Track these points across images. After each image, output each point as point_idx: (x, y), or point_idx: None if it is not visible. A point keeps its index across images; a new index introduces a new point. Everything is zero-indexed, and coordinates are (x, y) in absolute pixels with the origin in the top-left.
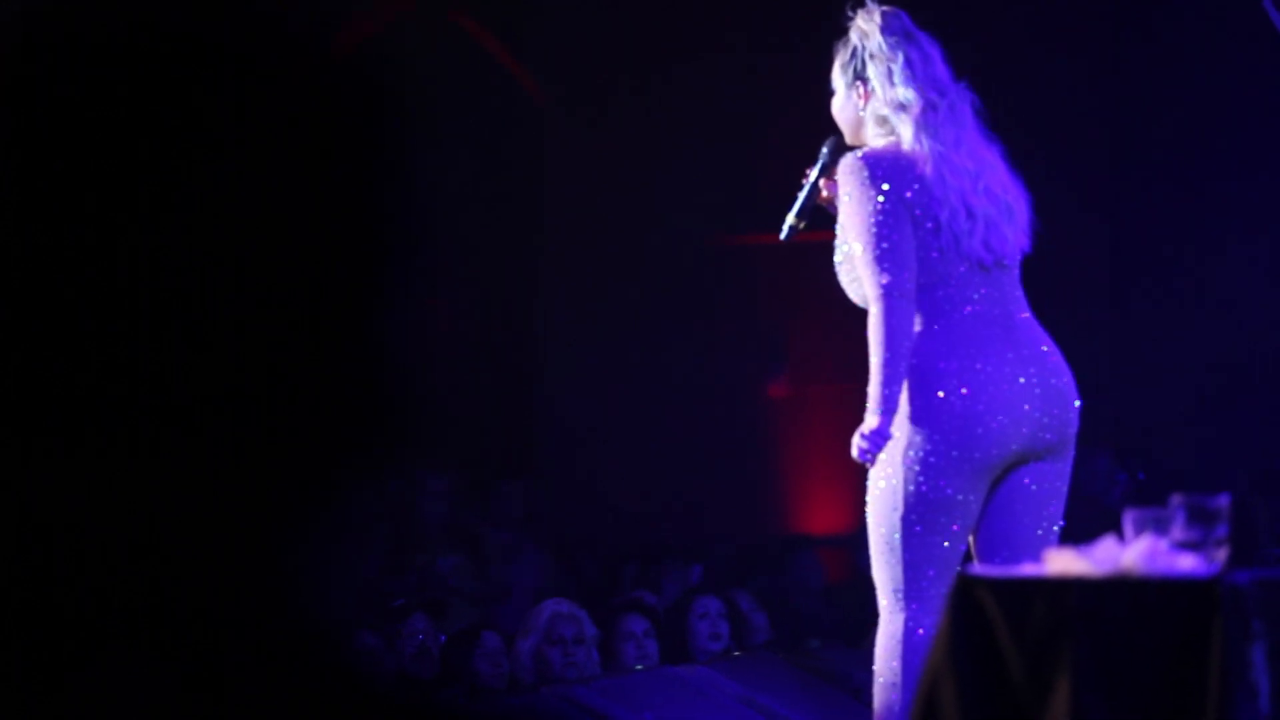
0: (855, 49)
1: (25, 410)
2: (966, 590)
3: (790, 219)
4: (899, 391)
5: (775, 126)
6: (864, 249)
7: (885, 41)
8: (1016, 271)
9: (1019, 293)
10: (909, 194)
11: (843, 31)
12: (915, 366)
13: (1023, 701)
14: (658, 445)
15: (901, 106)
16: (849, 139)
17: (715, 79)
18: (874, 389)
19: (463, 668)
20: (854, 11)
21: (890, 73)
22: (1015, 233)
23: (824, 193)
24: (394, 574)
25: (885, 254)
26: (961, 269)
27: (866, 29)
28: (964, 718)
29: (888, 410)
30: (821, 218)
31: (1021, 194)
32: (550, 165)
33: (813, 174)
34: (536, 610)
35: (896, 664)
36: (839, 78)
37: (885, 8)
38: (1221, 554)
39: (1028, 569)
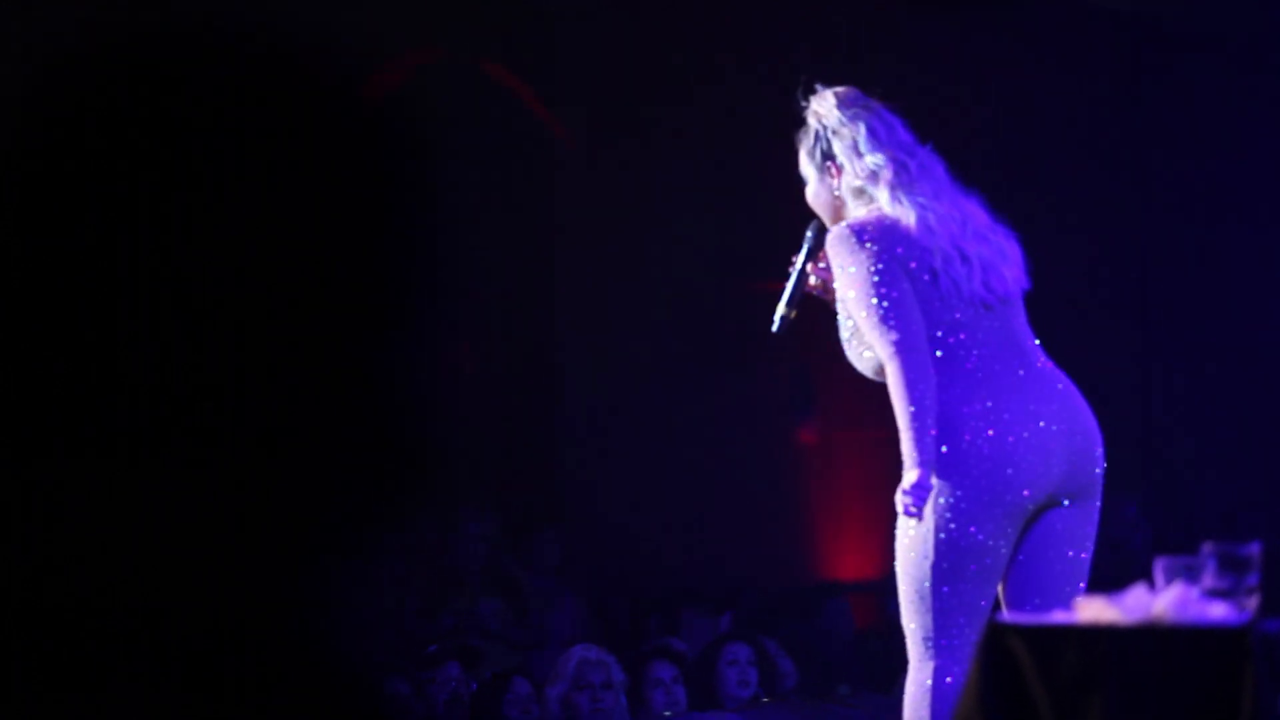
0: (817, 132)
1: (60, 471)
2: (997, 637)
3: (781, 309)
4: (931, 441)
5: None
6: (867, 313)
7: (844, 115)
8: (1022, 310)
9: (1030, 334)
10: (900, 250)
11: (801, 121)
12: (941, 415)
13: None
14: (686, 491)
15: (874, 173)
16: (829, 222)
17: (745, 123)
18: (907, 444)
19: (493, 715)
20: (806, 100)
21: (855, 144)
22: (1012, 271)
23: (812, 279)
24: (430, 618)
25: (889, 311)
26: (967, 313)
27: (822, 110)
28: None
29: (924, 462)
30: (825, 313)
31: (1009, 236)
32: (566, 207)
33: (799, 261)
34: (565, 656)
35: (925, 713)
36: (807, 165)
37: (837, 88)
38: (1253, 602)
39: (1058, 616)
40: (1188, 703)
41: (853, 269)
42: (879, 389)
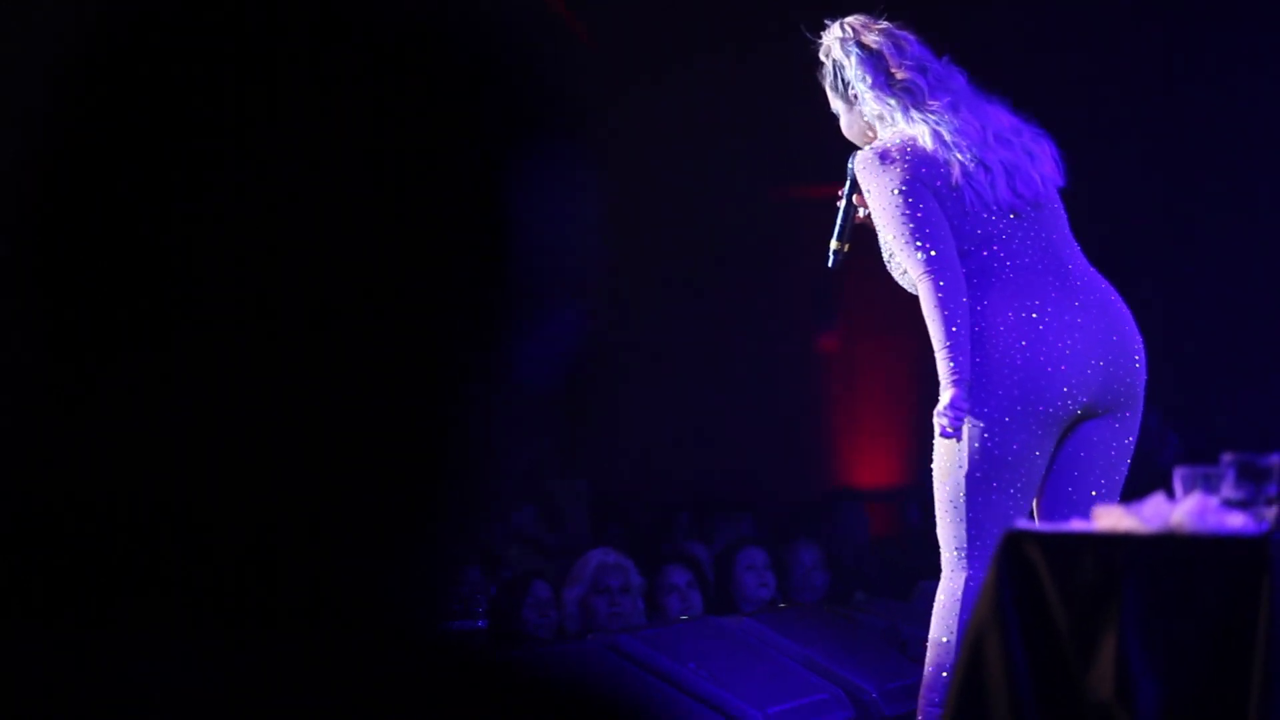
0: (831, 67)
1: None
2: (1014, 545)
3: (833, 244)
4: (968, 360)
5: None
6: (896, 234)
7: (846, 48)
8: (1059, 212)
9: (1068, 236)
10: (923, 170)
11: (817, 59)
12: (974, 327)
13: (1069, 656)
14: (707, 399)
15: (886, 97)
16: (865, 144)
17: (764, 31)
18: (942, 364)
19: (512, 617)
20: (818, 36)
21: (865, 72)
22: (1042, 170)
23: (860, 211)
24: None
25: (917, 230)
26: (997, 224)
27: (829, 43)
28: (1009, 672)
29: (960, 381)
30: (865, 235)
31: (1038, 135)
32: (598, 119)
33: (844, 193)
34: (583, 560)
35: (954, 621)
36: (834, 99)
37: (845, 18)
38: (1271, 512)
39: (1076, 525)
40: (1205, 612)
41: (878, 191)
42: (901, 297)
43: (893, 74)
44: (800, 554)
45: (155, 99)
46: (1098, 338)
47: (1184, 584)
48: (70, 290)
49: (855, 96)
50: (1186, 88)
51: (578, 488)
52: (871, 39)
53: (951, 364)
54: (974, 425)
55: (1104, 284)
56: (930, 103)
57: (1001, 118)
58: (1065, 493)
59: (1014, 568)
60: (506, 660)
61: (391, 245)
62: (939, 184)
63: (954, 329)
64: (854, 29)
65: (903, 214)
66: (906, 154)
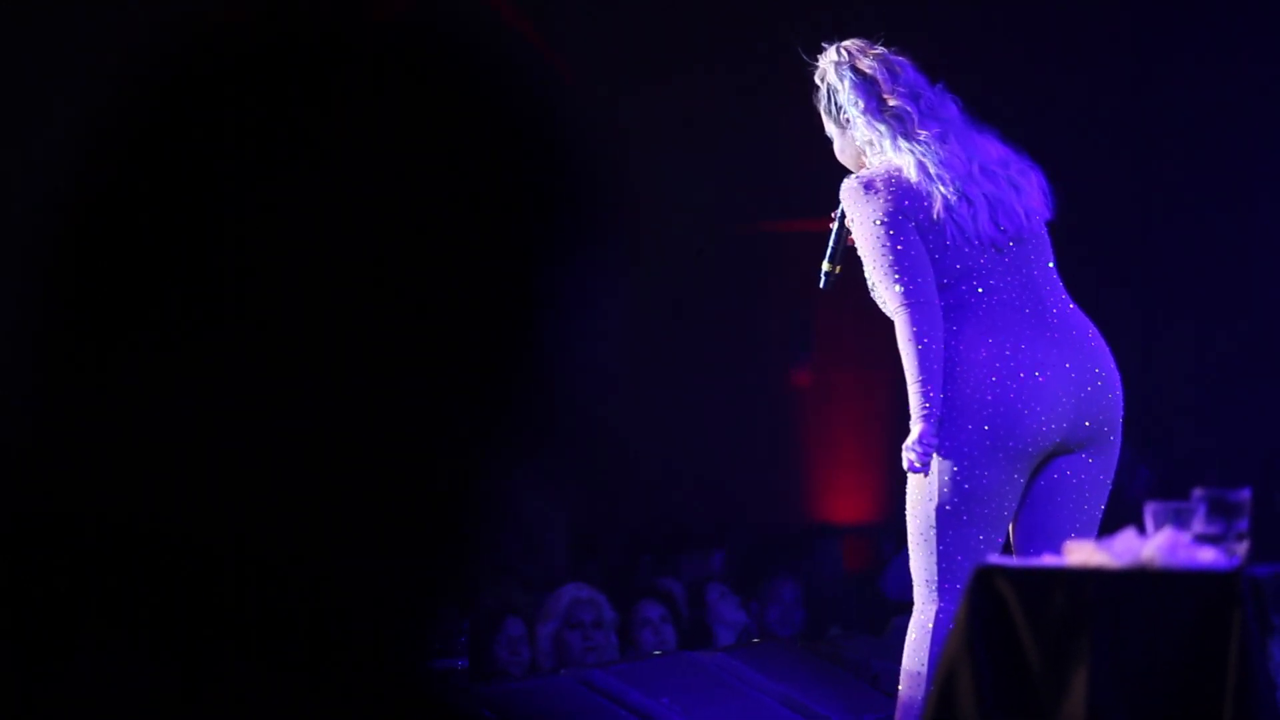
0: (825, 91)
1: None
2: (986, 580)
3: (825, 266)
4: (939, 396)
5: (800, 113)
6: (875, 264)
7: (840, 72)
8: (1042, 247)
9: (1050, 273)
10: (906, 202)
11: (811, 82)
12: (948, 361)
13: (1040, 691)
14: (680, 431)
15: (876, 123)
16: (858, 169)
17: (741, 66)
18: (914, 397)
19: (484, 653)
20: (814, 60)
21: (857, 96)
22: (1027, 204)
23: (851, 234)
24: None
25: (896, 262)
26: (980, 259)
27: (824, 66)
28: (980, 707)
29: (929, 416)
30: (849, 263)
31: (1026, 167)
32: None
33: (836, 216)
34: (556, 595)
35: (925, 654)
36: (828, 122)
37: (842, 42)
38: (1242, 548)
39: (1047, 560)
40: (1176, 647)
41: (861, 221)
42: (876, 331)
43: (885, 100)
44: (780, 590)
45: (173, 118)
46: (1072, 374)
47: (1155, 619)
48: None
49: (848, 121)
50: (1156, 123)
51: (556, 519)
52: (866, 64)
53: (923, 399)
54: (944, 459)
55: (1083, 319)
56: (919, 131)
57: (990, 149)
58: (1039, 527)
59: (985, 602)
60: (479, 697)
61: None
62: (921, 217)
63: (927, 364)
64: (849, 53)
65: (883, 245)
66: (891, 185)
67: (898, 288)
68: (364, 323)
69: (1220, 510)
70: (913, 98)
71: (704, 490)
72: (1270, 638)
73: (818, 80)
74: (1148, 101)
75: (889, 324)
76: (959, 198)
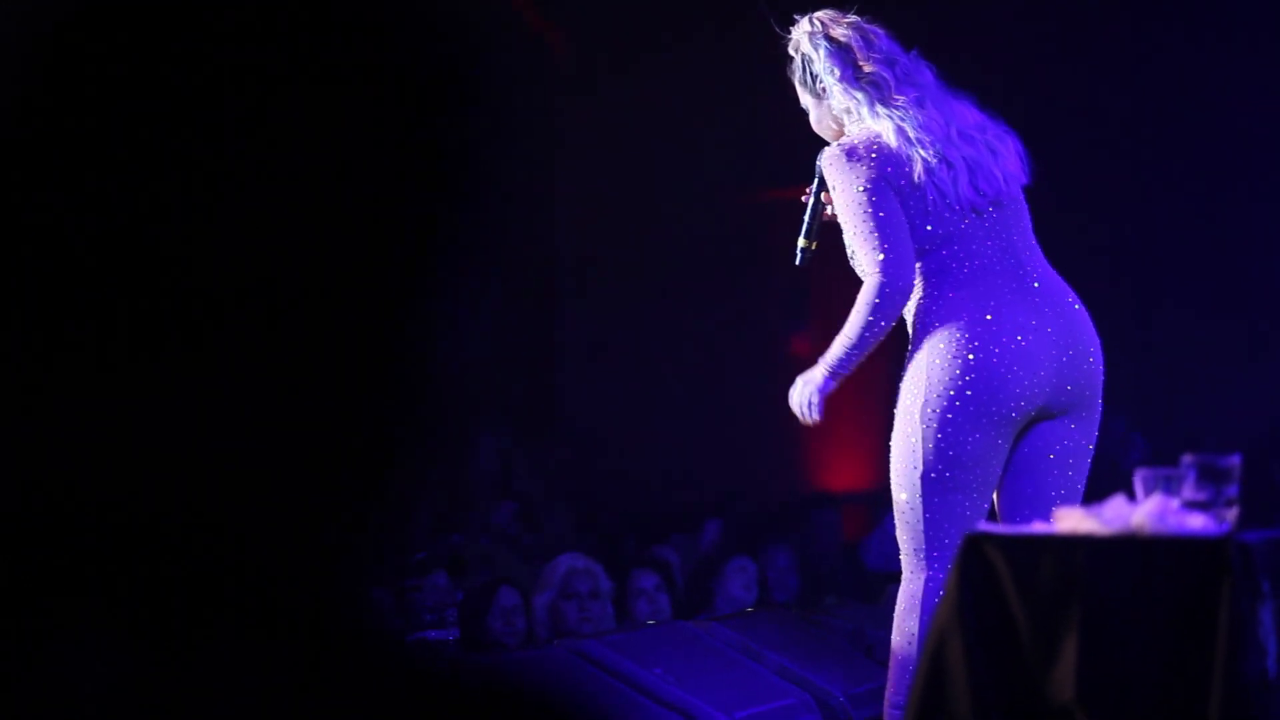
0: (800, 61)
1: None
2: (975, 548)
3: (801, 241)
4: (858, 361)
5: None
6: (857, 230)
7: (814, 41)
8: (1021, 211)
9: (1029, 238)
10: (889, 169)
11: (786, 54)
12: (929, 326)
13: (1030, 659)
14: (678, 402)
15: (853, 90)
16: (834, 139)
17: (737, 35)
18: (837, 347)
19: (478, 624)
20: (786, 31)
21: (833, 65)
22: (1005, 168)
23: (827, 209)
24: (442, 529)
25: (877, 228)
26: (961, 223)
27: (798, 37)
28: (971, 675)
29: (836, 374)
30: (833, 234)
31: (1003, 132)
32: (568, 120)
33: (812, 191)
34: (552, 565)
35: (914, 623)
36: (803, 94)
37: (815, 13)
38: (1232, 514)
39: (1037, 527)
40: (1165, 613)
41: (843, 188)
42: None
43: (860, 67)
44: (775, 557)
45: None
46: (1053, 339)
47: (1144, 586)
48: None
49: (824, 90)
50: (1156, 97)
51: (556, 489)
52: (840, 32)
53: (841, 360)
54: (929, 425)
55: (1062, 285)
56: (896, 97)
57: (967, 114)
58: (1024, 493)
59: (974, 570)
60: (469, 667)
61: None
62: (902, 182)
63: (867, 339)
64: (823, 23)
65: (865, 212)
66: (872, 152)
67: (877, 254)
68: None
69: (1210, 476)
70: (888, 64)
71: (701, 461)
72: (1260, 604)
73: (791, 51)
74: (1149, 81)
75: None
76: (939, 161)
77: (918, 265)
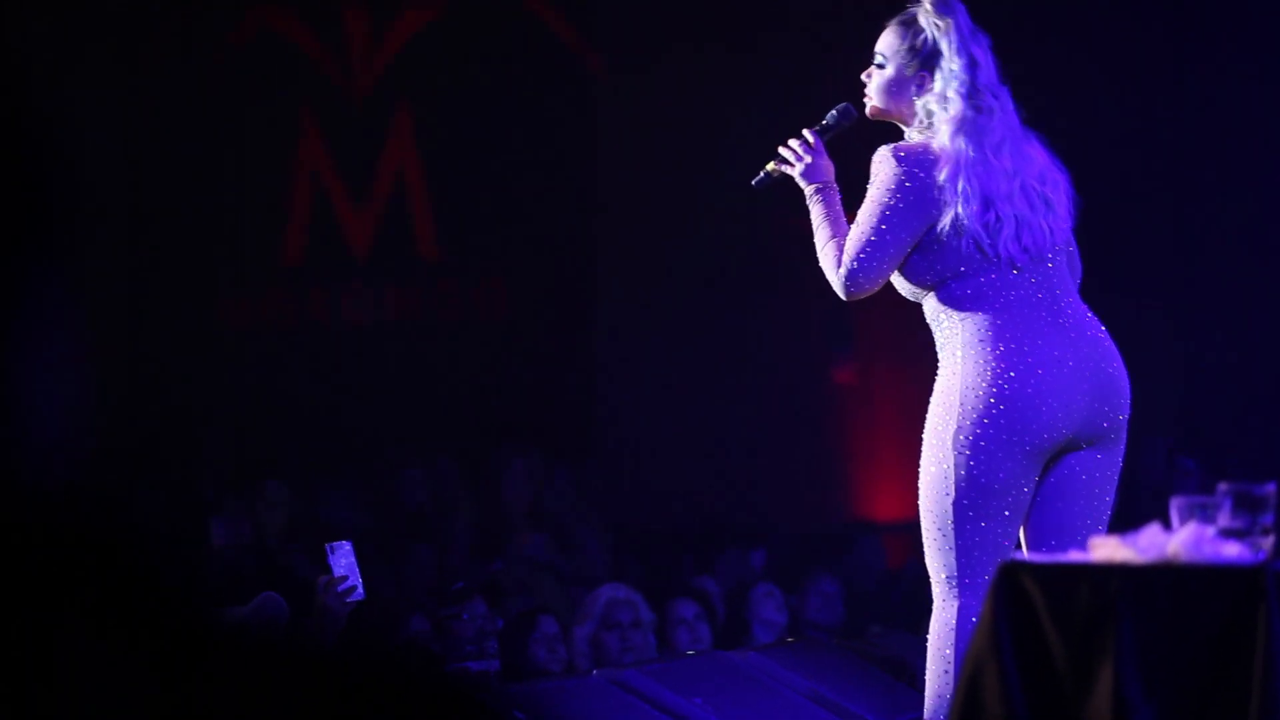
0: (927, 38)
1: None
2: (1010, 576)
3: (770, 165)
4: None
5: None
6: (860, 224)
7: (955, 40)
8: (1061, 265)
9: (1065, 277)
10: (934, 193)
11: (902, 6)
12: (962, 351)
13: (1066, 688)
14: (721, 429)
15: (958, 105)
16: (880, 114)
17: (781, 53)
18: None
19: (520, 653)
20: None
21: (954, 72)
22: (1054, 223)
23: (791, 158)
24: (481, 556)
25: (875, 241)
26: (994, 273)
27: (940, 24)
28: (1007, 704)
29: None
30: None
31: (1060, 178)
32: (606, 141)
33: (820, 126)
34: (592, 596)
35: (949, 651)
36: (897, 56)
37: (955, 2)
38: (1268, 542)
39: (1073, 556)
40: (1201, 642)
41: (876, 184)
42: (917, 328)
43: (977, 89)
44: (820, 583)
45: None
46: (1085, 372)
47: (1180, 614)
48: None
49: (925, 77)
50: (1197, 110)
51: (593, 517)
52: (979, 48)
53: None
54: (961, 453)
55: (1093, 319)
56: (987, 135)
57: (1034, 162)
58: (1050, 523)
59: (1010, 599)
60: (508, 695)
61: None
62: (938, 219)
63: (830, 241)
64: (969, 29)
65: (875, 221)
66: (921, 170)
67: (853, 264)
68: None
69: (1245, 504)
70: (994, 94)
71: (746, 488)
72: None
73: (923, 20)
74: (1184, 110)
75: (927, 325)
76: (993, 214)
77: (950, 291)
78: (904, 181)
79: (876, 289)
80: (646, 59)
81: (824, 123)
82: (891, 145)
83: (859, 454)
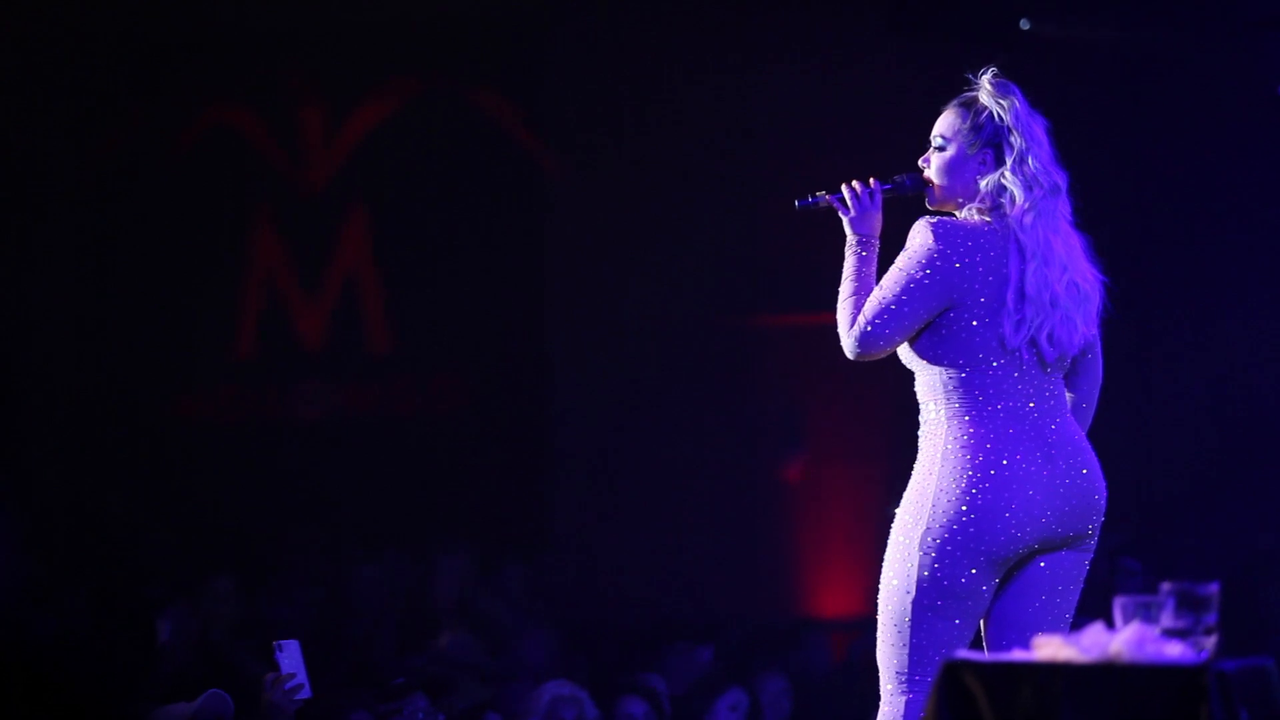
0: (992, 116)
1: None
2: (953, 674)
3: (820, 192)
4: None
5: (793, 205)
6: (884, 287)
7: (1021, 122)
8: (1062, 372)
9: (1061, 393)
10: (960, 279)
11: (962, 87)
12: (943, 451)
13: None
14: (669, 525)
15: (1024, 188)
16: (941, 194)
17: (731, 154)
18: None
19: None
20: (977, 77)
21: (1025, 152)
22: (1084, 321)
23: (850, 202)
24: (401, 653)
25: (894, 308)
26: (1006, 366)
27: (1004, 103)
28: None
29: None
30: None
31: (1095, 281)
32: (556, 236)
33: (880, 182)
34: (537, 693)
35: None
36: (959, 136)
37: (1011, 83)
38: (1210, 641)
39: (1016, 655)
40: None
41: (909, 252)
42: (866, 426)
43: (1044, 169)
44: (768, 682)
45: None
46: (1060, 489)
47: (1123, 714)
48: None
49: (988, 159)
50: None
51: (541, 612)
52: (1037, 126)
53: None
54: (926, 553)
55: (1076, 428)
56: (1045, 220)
57: (1074, 264)
58: (1012, 619)
59: (953, 697)
60: None
61: None
62: (957, 303)
63: (851, 297)
64: (1032, 113)
65: (899, 288)
66: (962, 249)
67: (867, 326)
68: None
69: (1188, 604)
70: (1053, 187)
71: (696, 584)
72: None
73: (987, 101)
74: (1145, 169)
75: (881, 419)
76: (1019, 314)
77: (953, 376)
78: (935, 259)
79: (883, 355)
80: (597, 157)
81: (894, 179)
82: (932, 219)
83: (808, 551)
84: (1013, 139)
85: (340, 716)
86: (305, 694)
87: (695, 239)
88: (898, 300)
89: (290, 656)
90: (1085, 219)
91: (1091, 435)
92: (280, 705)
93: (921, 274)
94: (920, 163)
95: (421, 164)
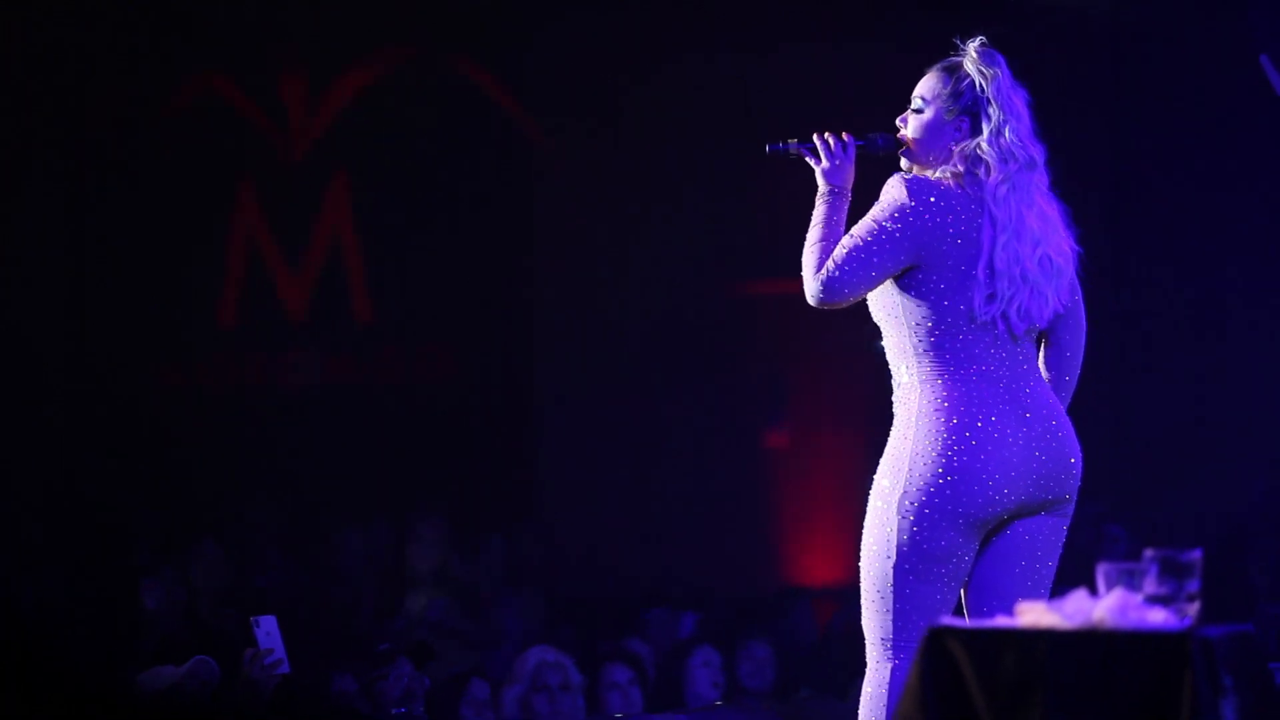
0: (973, 84)
1: None
2: (937, 641)
3: (791, 140)
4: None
5: (777, 174)
6: (851, 237)
7: (1002, 94)
8: (1030, 345)
9: (1033, 359)
10: (929, 235)
11: (946, 52)
12: (918, 416)
13: None
14: (653, 494)
15: (999, 160)
16: (916, 154)
17: (718, 124)
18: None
19: (449, 714)
20: (965, 43)
21: (1003, 124)
22: (1055, 294)
23: (823, 153)
24: (383, 619)
25: (858, 259)
26: (974, 335)
27: (987, 73)
28: None
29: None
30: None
31: (1073, 253)
32: (543, 210)
33: (854, 137)
34: (522, 658)
35: (881, 713)
36: (939, 100)
37: (997, 53)
38: (1193, 608)
39: (999, 621)
40: (1127, 708)
41: (879, 204)
42: (849, 393)
43: (1019, 142)
44: (753, 649)
45: None
46: (1037, 452)
47: (1106, 680)
48: None
49: (965, 126)
50: (1131, 181)
51: (525, 580)
52: (1019, 98)
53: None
54: (904, 517)
55: (1051, 394)
56: (1022, 193)
57: (1050, 237)
58: (993, 585)
59: (937, 663)
60: None
61: None
62: (924, 261)
63: (819, 243)
64: (1015, 85)
65: (866, 238)
66: (932, 209)
67: (830, 274)
68: None
69: (1171, 571)
70: (1029, 158)
71: (676, 553)
72: (1222, 698)
73: (970, 68)
74: (1128, 165)
75: (863, 386)
76: (990, 287)
77: (922, 339)
78: (907, 213)
79: (845, 304)
80: (582, 123)
81: (867, 136)
82: (907, 175)
83: (792, 519)
84: (991, 110)
85: (325, 683)
86: (284, 669)
87: (680, 210)
88: (867, 248)
89: (268, 632)
90: (1073, 189)
91: (1076, 401)
92: (259, 680)
93: (893, 225)
94: (898, 121)
95: (407, 132)
